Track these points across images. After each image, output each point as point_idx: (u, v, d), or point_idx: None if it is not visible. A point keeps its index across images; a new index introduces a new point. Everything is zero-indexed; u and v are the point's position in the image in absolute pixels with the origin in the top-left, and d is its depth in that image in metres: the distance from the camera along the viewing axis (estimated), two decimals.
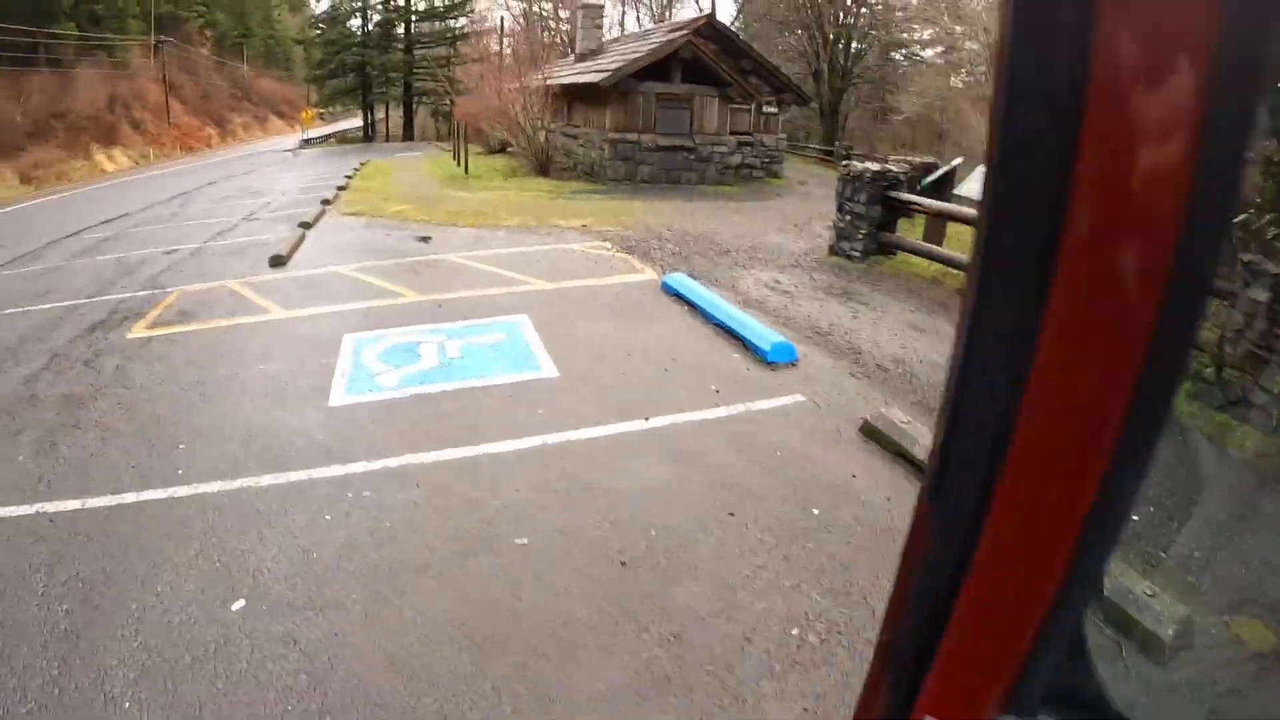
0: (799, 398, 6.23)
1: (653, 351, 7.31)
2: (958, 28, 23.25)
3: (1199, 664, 3.58)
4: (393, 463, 5.24)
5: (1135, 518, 4.65)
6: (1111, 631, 3.53)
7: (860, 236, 10.73)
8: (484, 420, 5.86)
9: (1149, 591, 3.67)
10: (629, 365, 6.98)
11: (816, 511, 4.59)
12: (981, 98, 23.22)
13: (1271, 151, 8.21)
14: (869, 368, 7.02)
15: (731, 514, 4.56)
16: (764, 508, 4.62)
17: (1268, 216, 8.74)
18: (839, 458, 5.22)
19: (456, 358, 7.11)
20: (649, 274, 10.20)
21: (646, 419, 5.81)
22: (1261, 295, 5.96)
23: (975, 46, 22.79)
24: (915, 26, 31.50)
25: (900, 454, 5.17)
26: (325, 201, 18.33)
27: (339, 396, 6.38)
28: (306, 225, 14.55)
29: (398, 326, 8.09)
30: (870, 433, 5.48)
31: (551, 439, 5.56)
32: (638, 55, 22.51)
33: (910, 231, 11.81)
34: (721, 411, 5.95)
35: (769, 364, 6.94)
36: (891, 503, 4.70)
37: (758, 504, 4.67)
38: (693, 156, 22.72)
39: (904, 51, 38.45)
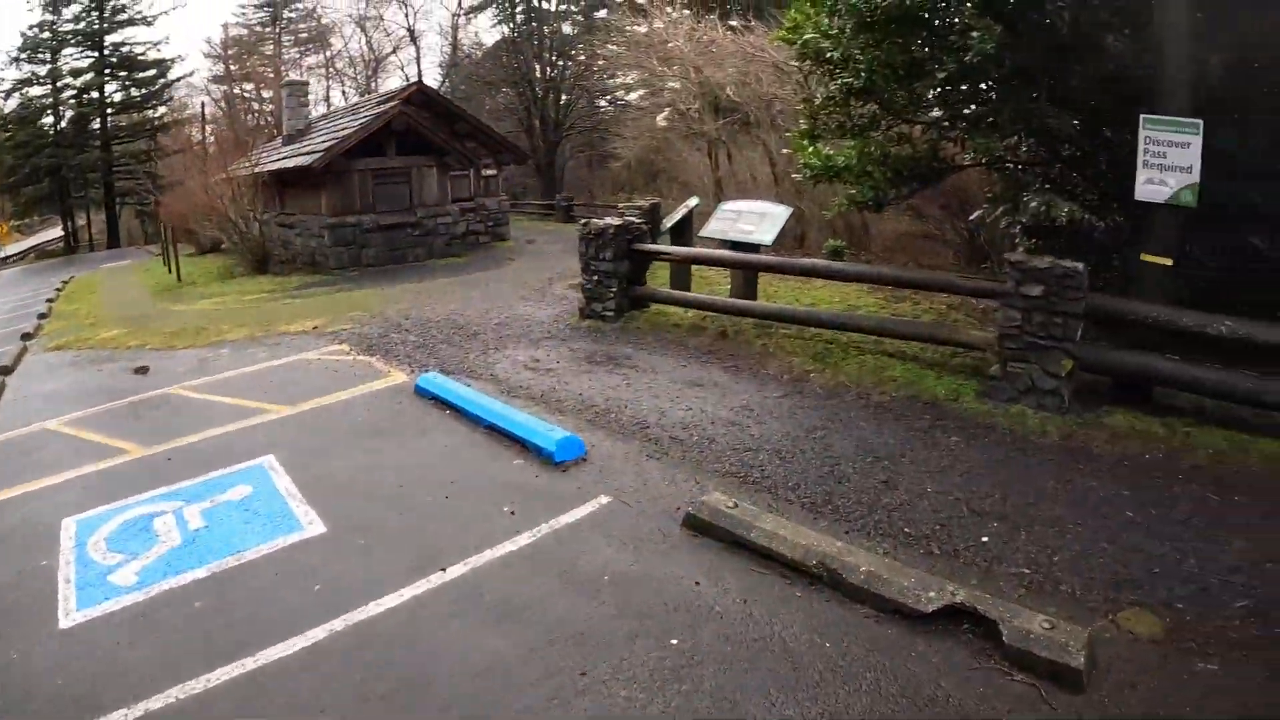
0: (604, 500, 5.86)
1: (426, 476, 6.50)
2: (662, 70, 23.26)
3: (1116, 675, 3.92)
4: (156, 705, 3.94)
5: (985, 539, 5.13)
6: (1023, 677, 3.84)
7: (611, 295, 10.73)
8: (253, 614, 4.74)
9: (1046, 624, 3.97)
10: (404, 500, 6.12)
11: (676, 642, 4.25)
12: (693, 134, 23.20)
13: (997, 148, 10.05)
14: (663, 443, 6.87)
15: (584, 673, 4.03)
16: (618, 655, 4.16)
17: (1000, 209, 10.76)
18: (674, 567, 4.94)
19: (202, 529, 6.00)
20: (398, 377, 9.32)
21: (445, 569, 5.05)
22: (1036, 290, 7.00)
23: (677, 85, 22.89)
24: (619, 73, 30.84)
25: (737, 543, 5.03)
26: (25, 336, 16.31)
27: (70, 612, 5.01)
28: (6, 371, 12.60)
29: (126, 497, 6.67)
30: (697, 526, 5.29)
31: (340, 624, 4.56)
32: (349, 131, 22.06)
33: (656, 278, 11.85)
34: (525, 539, 5.39)
35: (558, 465, 6.49)
36: (750, 605, 4.51)
37: (608, 652, 4.19)
38: (417, 232, 22.50)
39: (611, 97, 39.41)
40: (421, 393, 8.66)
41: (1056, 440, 6.70)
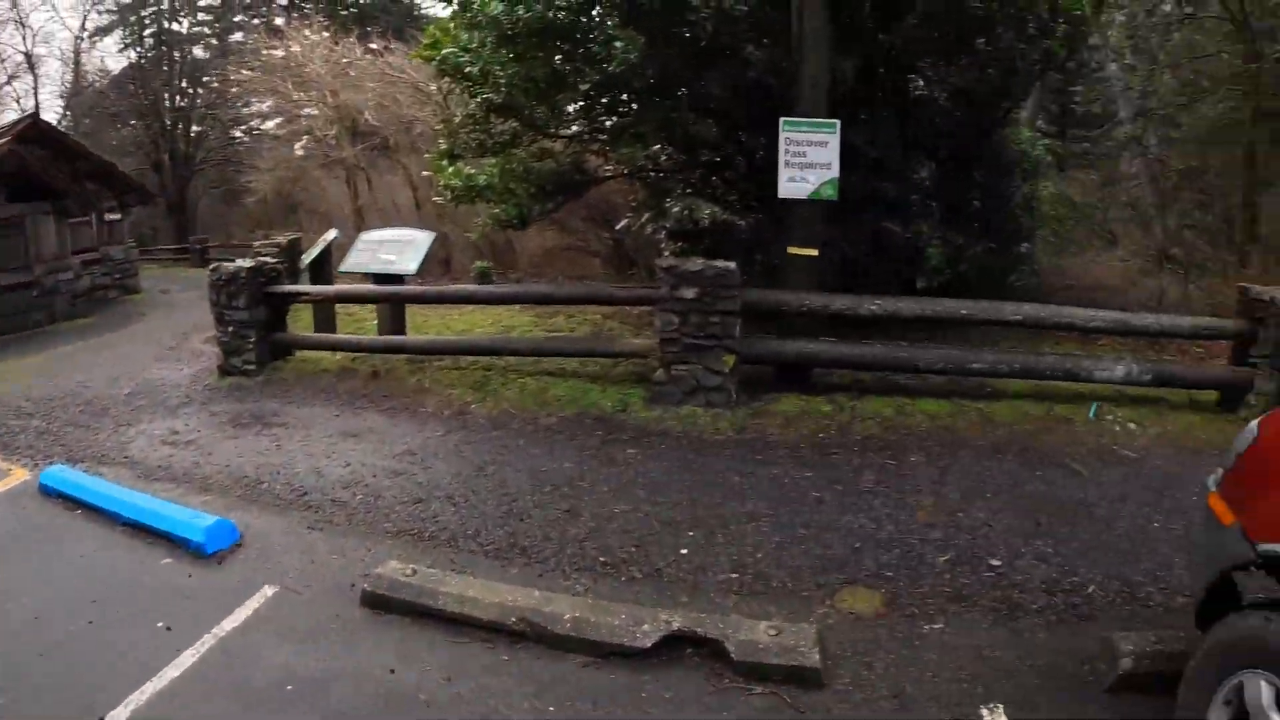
0: (269, 592, 4.87)
1: (64, 599, 5.00)
2: (298, 95, 19.54)
3: (852, 659, 3.84)
4: None
5: (685, 550, 4.89)
6: (763, 689, 3.66)
7: (251, 346, 9.23)
8: None
9: (771, 631, 3.85)
10: (42, 636, 4.63)
11: None
12: (332, 161, 19.72)
13: (639, 157, 9.49)
14: (325, 509, 5.90)
15: None
16: None
17: (645, 215, 9.97)
18: (361, 657, 4.21)
19: None
20: (19, 475, 7.28)
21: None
22: (691, 292, 6.91)
23: (315, 111, 19.33)
24: (254, 100, 25.38)
25: (426, 613, 4.43)
26: None
27: None
28: None
29: None
30: (377, 603, 4.59)
31: None
32: None
33: (298, 321, 10.40)
34: (189, 658, 4.26)
35: (211, 556, 5.34)
36: (456, 684, 3.94)
37: None
38: (36, 293, 18.08)
39: (246, 127, 35.26)
40: (48, 492, 7.01)
41: (732, 435, 6.73)
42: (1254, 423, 3.26)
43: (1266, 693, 2.61)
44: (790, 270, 7.69)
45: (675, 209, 10.63)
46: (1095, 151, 20.24)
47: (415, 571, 4.70)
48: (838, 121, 7.46)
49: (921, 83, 10.54)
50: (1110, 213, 16.37)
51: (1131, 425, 7.26)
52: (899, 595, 4.35)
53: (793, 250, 7.64)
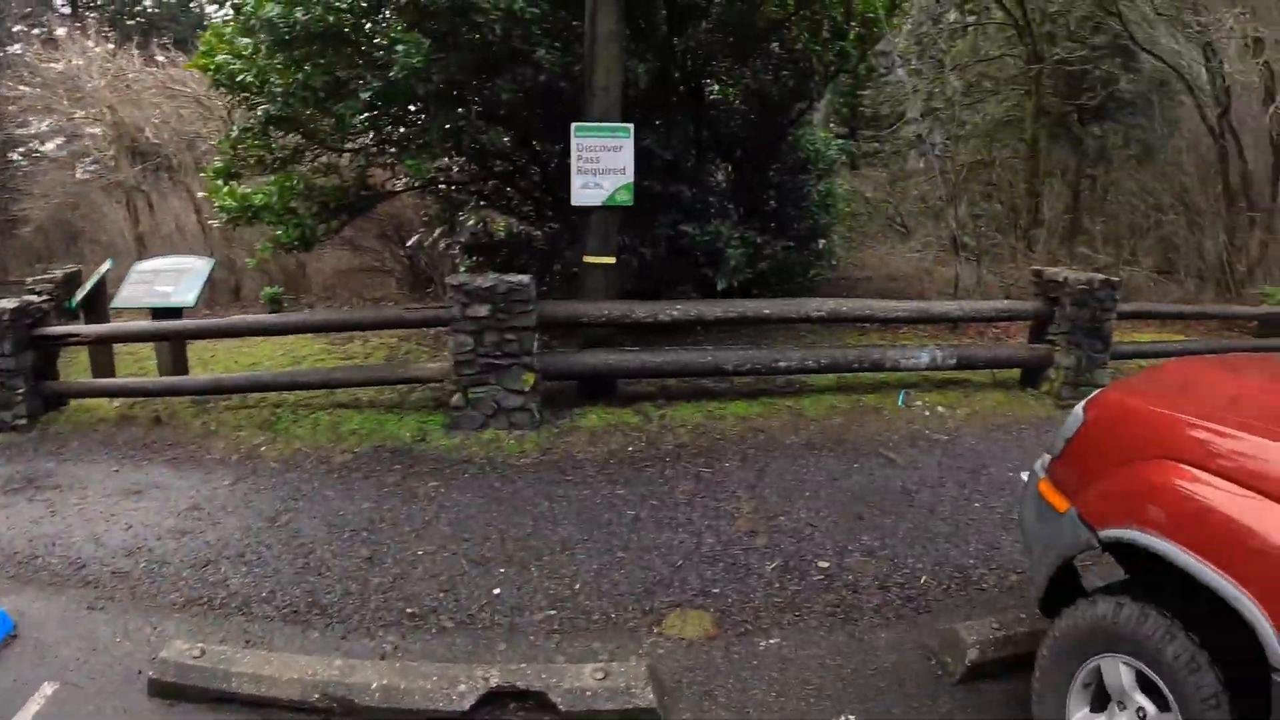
0: (49, 690, 4.05)
1: None
2: (78, 112, 16.77)
3: (690, 690, 3.64)
4: None
5: (498, 591, 4.54)
6: None
7: (20, 398, 7.88)
8: None
9: (598, 674, 3.59)
10: None
11: None
12: (111, 185, 17.62)
13: (429, 169, 8.64)
14: (105, 584, 5.05)
15: None
16: None
17: (438, 231, 9.00)
18: None
19: None
20: None
21: None
22: (483, 310, 6.53)
23: (97, 130, 16.68)
24: (32, 119, 21.31)
25: (220, 699, 3.88)
26: None
27: None
28: None
29: None
30: (166, 691, 3.96)
31: None
32: None
33: (75, 366, 9.22)
34: None
35: None
36: None
37: None
38: None
39: (25, 149, 26.51)
40: None
41: (538, 457, 6.42)
42: (1079, 407, 3.28)
43: (1126, 675, 2.63)
44: (589, 280, 7.47)
45: (469, 222, 10.24)
46: (885, 150, 21.19)
47: (204, 651, 4.11)
48: (631, 126, 7.33)
49: (716, 87, 10.58)
50: (902, 206, 17.07)
51: (940, 409, 7.44)
52: (729, 612, 4.18)
53: (589, 259, 7.42)
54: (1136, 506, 2.66)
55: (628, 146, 7.28)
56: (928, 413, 7.35)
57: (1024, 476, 3.46)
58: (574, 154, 7.25)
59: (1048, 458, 3.35)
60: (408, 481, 6.09)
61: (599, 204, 7.28)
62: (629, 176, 7.29)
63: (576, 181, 7.26)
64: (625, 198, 7.32)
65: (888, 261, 13.20)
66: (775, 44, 9.38)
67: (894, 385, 7.72)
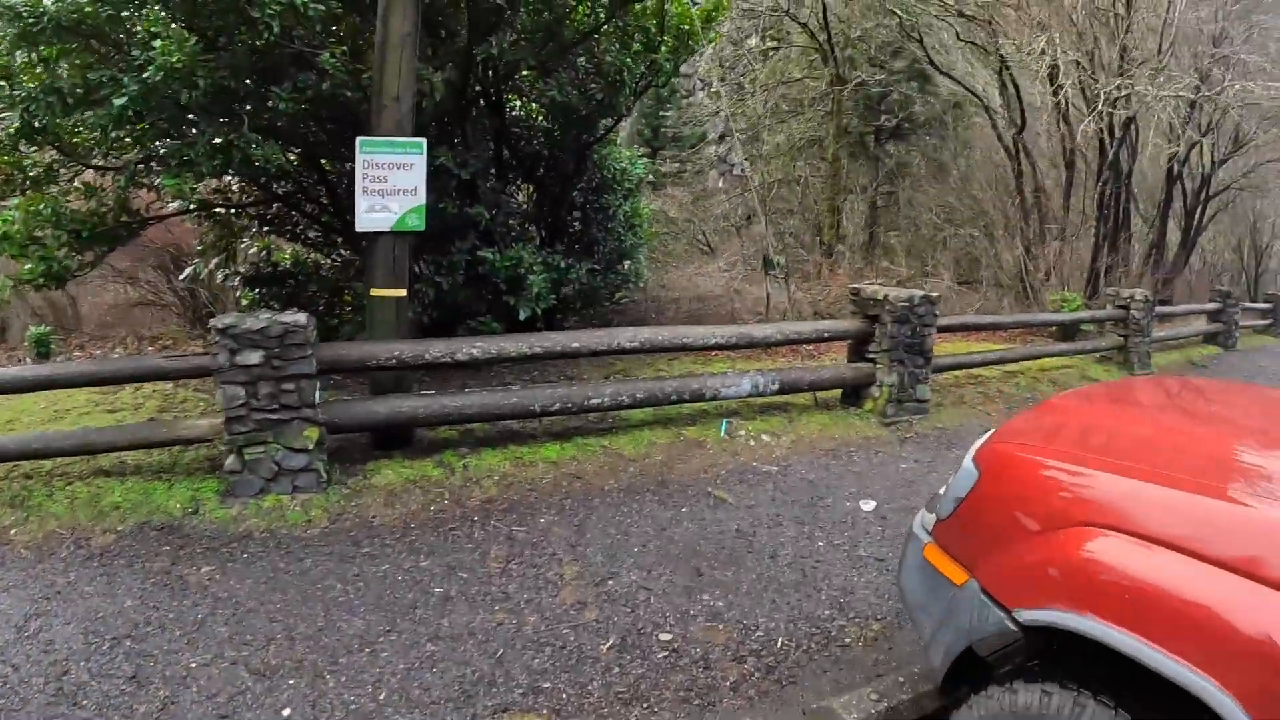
0: None
1: None
2: None
3: None
4: None
5: (288, 712, 3.71)
6: None
7: None
8: None
9: None
10: None
11: None
12: None
13: (195, 190, 7.22)
14: None
15: None
16: None
17: (215, 260, 7.48)
18: None
19: None
20: None
21: None
22: (255, 357, 5.59)
23: None
24: None
25: None
26: None
27: None
28: None
29: None
30: None
31: None
32: None
33: None
34: None
35: None
36: None
37: None
38: None
39: None
40: None
41: (327, 525, 5.59)
42: (968, 461, 2.89)
43: None
44: (379, 315, 6.68)
45: (250, 250, 9.24)
46: (688, 170, 21.32)
47: None
48: (423, 141, 6.64)
49: (519, 101, 10.01)
50: (706, 225, 17.04)
51: (765, 437, 7.15)
52: (565, 710, 3.58)
53: (377, 292, 6.64)
54: (1064, 584, 2.29)
55: (420, 164, 6.60)
56: (753, 442, 7.04)
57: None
58: (359, 172, 6.49)
59: (930, 517, 2.95)
60: (178, 568, 5.14)
61: (387, 229, 6.54)
62: (421, 198, 6.61)
63: (362, 204, 6.50)
64: (416, 222, 6.62)
65: (695, 282, 13.01)
66: (583, 57, 8.91)
67: (715, 415, 7.40)
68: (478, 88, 8.68)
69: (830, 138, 18.38)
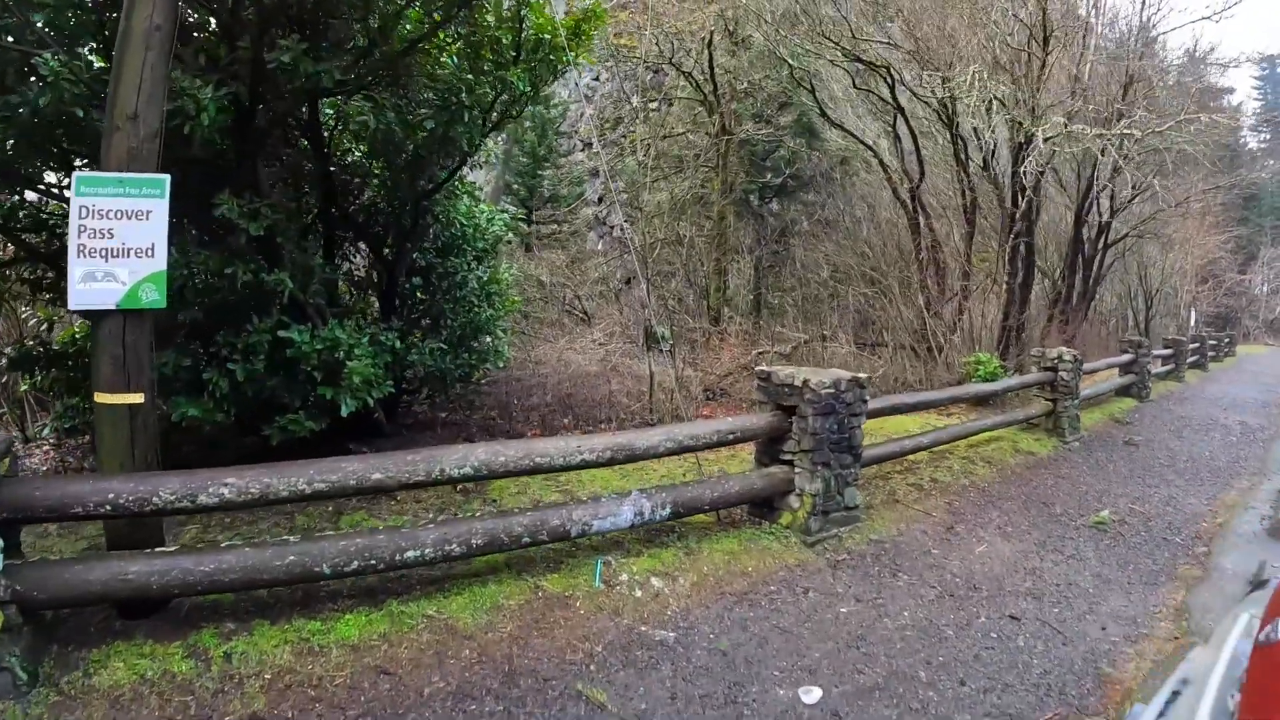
0: None
1: None
2: None
3: None
4: None
5: None
6: None
7: None
8: None
9: None
10: None
11: None
12: None
13: None
14: None
15: None
16: None
17: None
18: None
19: None
20: None
21: None
22: None
23: None
24: None
25: None
26: None
27: None
28: None
29: None
30: None
31: None
32: None
33: None
34: None
35: None
36: None
37: None
38: None
39: None
40: None
41: None
42: None
43: None
44: (106, 431, 4.41)
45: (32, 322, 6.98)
46: (564, 231, 19.56)
47: None
48: (165, 179, 4.43)
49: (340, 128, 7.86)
50: (583, 290, 15.07)
51: (656, 581, 5.13)
52: None
53: (103, 398, 4.38)
54: None
55: (160, 213, 4.38)
56: (640, 591, 5.00)
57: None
58: (74, 223, 4.23)
59: None
60: None
61: (113, 305, 4.31)
62: (160, 262, 4.40)
63: (76, 269, 4.22)
64: (155, 296, 4.39)
65: (568, 357, 10.88)
66: (417, 76, 6.79)
67: (588, 552, 5.32)
68: (271, 109, 6.46)
69: (716, 193, 16.74)
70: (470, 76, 6.54)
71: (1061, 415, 10.60)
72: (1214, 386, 19.83)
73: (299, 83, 5.77)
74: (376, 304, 8.02)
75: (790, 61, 14.76)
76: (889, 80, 13.25)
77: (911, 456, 8.27)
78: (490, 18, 6.61)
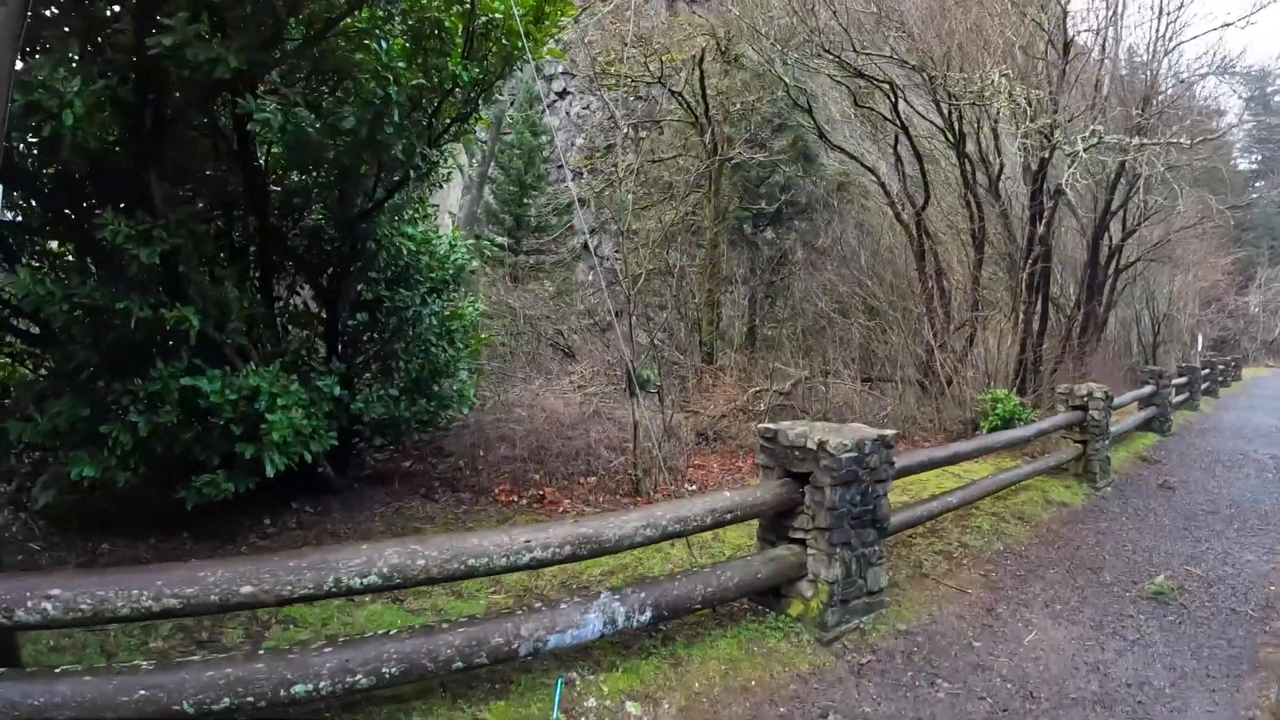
0: None
1: None
2: None
3: None
4: None
5: None
6: None
7: None
8: None
9: None
10: None
11: None
12: None
13: None
14: None
15: None
16: None
17: None
18: None
19: None
20: None
21: None
22: None
23: None
24: None
25: None
26: None
27: None
28: None
29: None
30: None
31: None
32: None
33: None
34: None
35: None
36: None
37: None
38: None
39: None
40: None
41: None
42: None
43: None
44: None
45: None
46: (548, 262, 18.46)
47: None
48: None
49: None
50: (567, 324, 13.82)
51: (633, 708, 3.93)
52: None
53: None
54: None
55: None
56: None
57: None
58: None
59: None
60: None
61: None
62: None
63: None
64: None
65: (545, 400, 9.58)
66: (343, 64, 5.60)
67: (543, 671, 4.08)
68: (170, 111, 5.23)
69: (708, 220, 15.56)
70: (401, 64, 5.31)
71: (1092, 458, 9.40)
72: (1231, 414, 18.76)
73: (188, 73, 4.58)
74: (321, 346, 6.83)
75: (786, 79, 13.67)
76: (891, 97, 12.14)
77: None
78: None
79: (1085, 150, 9.21)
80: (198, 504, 5.61)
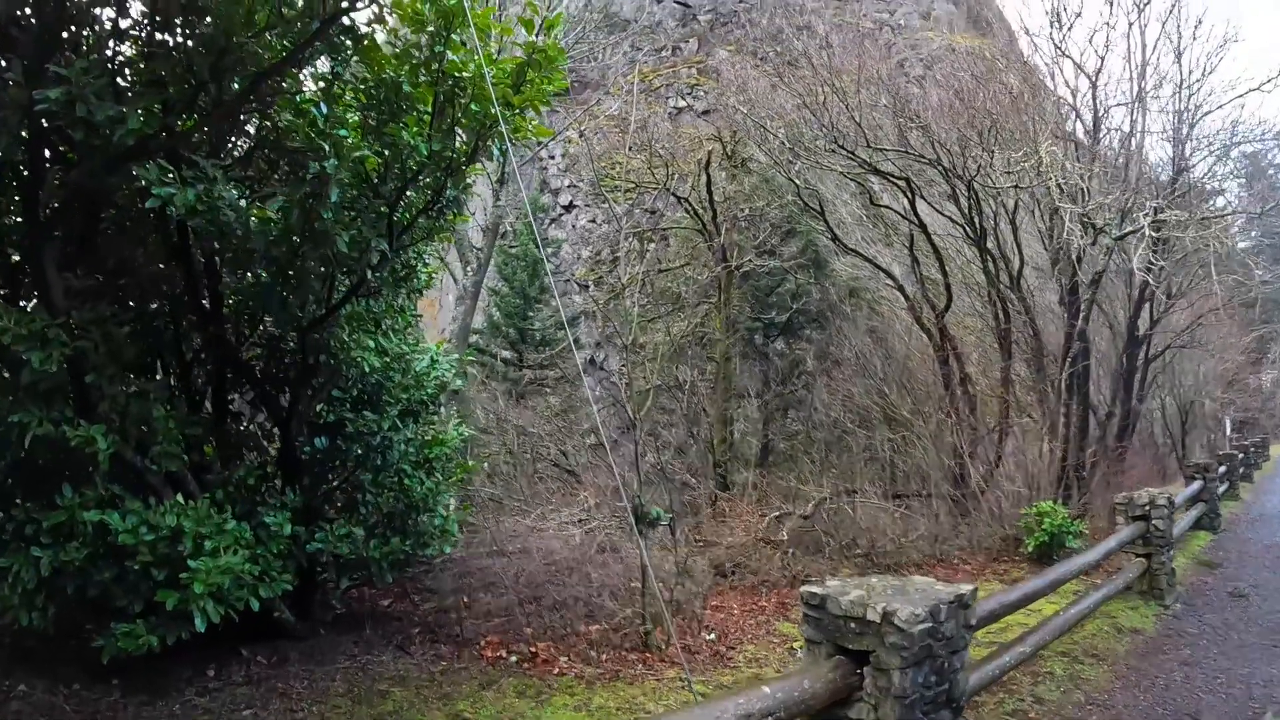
0: None
1: None
2: None
3: None
4: None
5: None
6: None
7: None
8: None
9: None
10: None
11: None
12: None
13: None
14: None
15: None
16: None
17: None
18: None
19: None
20: None
21: None
22: None
23: None
24: None
25: None
26: None
27: None
28: None
29: None
30: None
31: None
32: None
33: None
34: None
35: None
36: None
37: None
38: None
39: None
40: None
41: None
42: None
43: None
44: None
45: None
46: (551, 377, 17.63)
47: None
48: None
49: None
50: (570, 444, 12.71)
51: None
52: None
53: None
54: None
55: None
56: None
57: None
58: None
59: None
60: None
61: None
62: None
63: None
64: None
65: (545, 533, 8.38)
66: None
67: None
68: (69, 185, 4.30)
69: (719, 331, 14.64)
70: (341, 132, 4.33)
71: (1158, 573, 8.17)
72: (1274, 499, 17.92)
73: (83, 136, 3.68)
74: (248, 474, 5.77)
75: (796, 181, 12.90)
76: (909, 194, 11.32)
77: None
78: (383, 50, 4.54)
79: (1139, 231, 8.24)
80: (115, 657, 4.63)
